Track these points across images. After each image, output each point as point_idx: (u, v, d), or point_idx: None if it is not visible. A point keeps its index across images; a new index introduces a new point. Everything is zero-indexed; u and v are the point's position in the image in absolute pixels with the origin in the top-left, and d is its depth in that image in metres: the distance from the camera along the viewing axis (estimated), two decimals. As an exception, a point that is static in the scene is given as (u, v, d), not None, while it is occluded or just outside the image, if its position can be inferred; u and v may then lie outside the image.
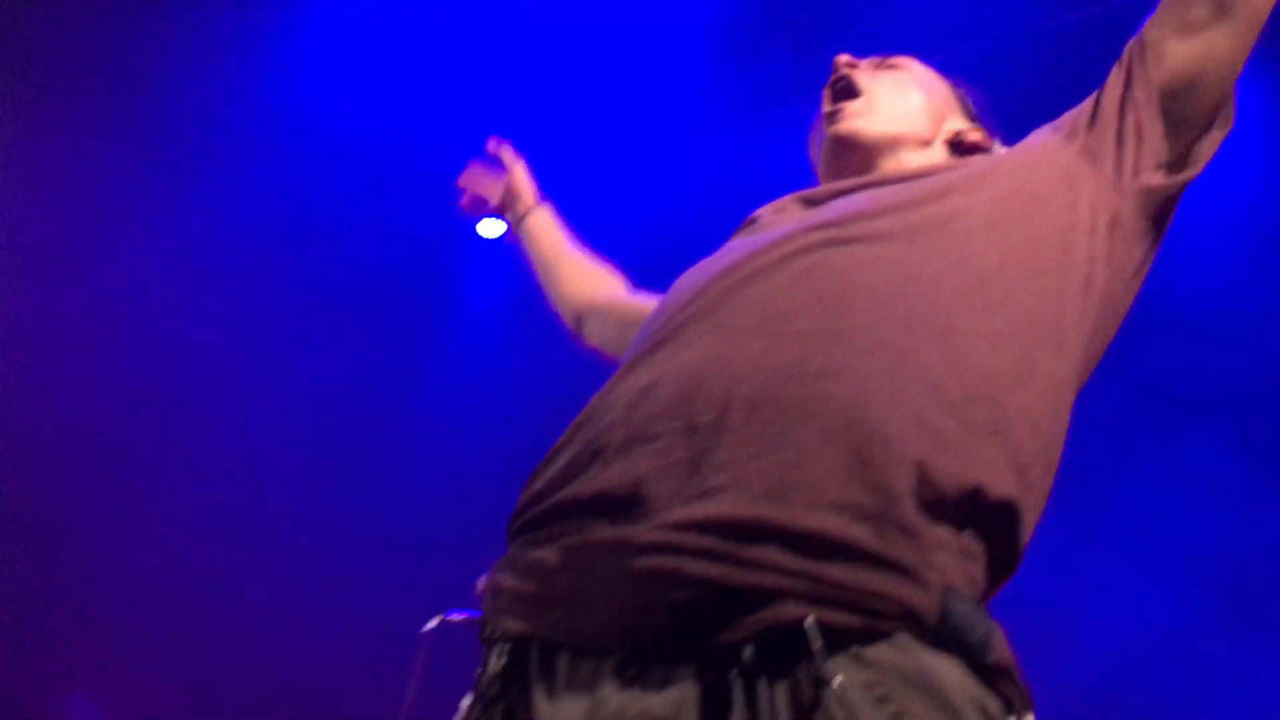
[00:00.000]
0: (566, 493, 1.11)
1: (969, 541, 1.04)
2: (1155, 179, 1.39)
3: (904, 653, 0.94)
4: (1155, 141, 1.39)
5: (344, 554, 5.40)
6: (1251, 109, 4.62)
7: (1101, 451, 4.56)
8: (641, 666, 0.97)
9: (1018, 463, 1.12)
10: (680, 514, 1.00)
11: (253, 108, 5.51)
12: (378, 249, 5.90)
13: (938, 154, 1.62)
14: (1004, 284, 1.23)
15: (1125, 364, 5.02)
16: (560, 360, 6.07)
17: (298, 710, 4.77)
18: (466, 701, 1.14)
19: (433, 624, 3.13)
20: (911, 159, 1.58)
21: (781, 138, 4.70)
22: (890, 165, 1.56)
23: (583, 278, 2.09)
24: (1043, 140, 1.48)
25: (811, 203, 1.44)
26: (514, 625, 1.10)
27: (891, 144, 1.58)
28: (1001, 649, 1.00)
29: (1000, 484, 1.08)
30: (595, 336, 1.97)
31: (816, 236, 1.23)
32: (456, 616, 3.16)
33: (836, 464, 1.00)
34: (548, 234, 2.18)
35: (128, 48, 5.20)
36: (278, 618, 5.34)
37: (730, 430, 1.04)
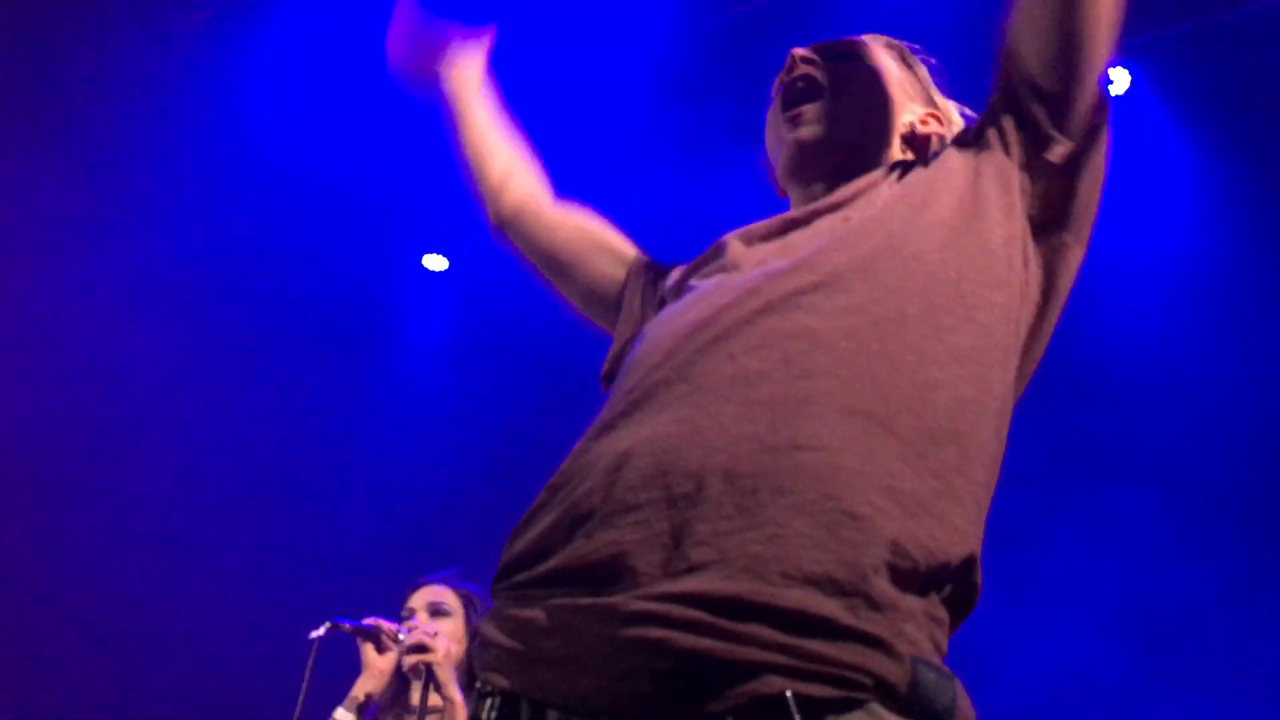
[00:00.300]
0: (553, 561, 1.13)
1: (934, 607, 1.09)
2: (1049, 155, 1.39)
3: None
4: (1035, 123, 1.40)
5: (268, 577, 5.34)
6: (1177, 167, 4.74)
7: (1026, 506, 4.63)
8: None
9: (977, 500, 1.18)
10: (666, 587, 1.03)
11: (199, 140, 5.49)
12: (321, 281, 5.88)
13: (894, 151, 1.60)
14: (965, 300, 1.27)
15: (1051, 421, 5.13)
16: (499, 397, 6.11)
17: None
18: None
19: (321, 631, 3.15)
20: (870, 158, 1.56)
21: (725, 181, 4.77)
22: (849, 167, 1.53)
23: (510, 172, 1.85)
24: (971, 144, 1.47)
25: (770, 236, 1.44)
26: (503, 681, 1.12)
27: (851, 148, 1.57)
28: (964, 710, 1.04)
29: (965, 538, 1.14)
30: (515, 241, 1.81)
31: (780, 288, 1.24)
32: (345, 624, 3.17)
33: (811, 539, 1.05)
34: (480, 102, 1.88)
35: (71, 76, 5.17)
36: (203, 640, 5.28)
37: (708, 502, 1.08)
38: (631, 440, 1.16)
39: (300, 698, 3.14)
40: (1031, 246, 1.39)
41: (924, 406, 1.17)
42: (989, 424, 1.23)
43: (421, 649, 3.18)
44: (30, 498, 5.44)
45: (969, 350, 1.24)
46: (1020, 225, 1.38)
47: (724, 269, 1.40)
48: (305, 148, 5.55)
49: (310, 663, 3.16)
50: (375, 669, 3.29)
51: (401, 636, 3.28)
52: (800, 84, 1.61)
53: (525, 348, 6.00)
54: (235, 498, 5.61)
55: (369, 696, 3.28)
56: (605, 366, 1.57)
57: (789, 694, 0.95)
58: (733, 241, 1.47)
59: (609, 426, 1.22)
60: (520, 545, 1.19)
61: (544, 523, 1.17)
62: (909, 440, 1.13)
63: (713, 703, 0.96)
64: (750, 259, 1.39)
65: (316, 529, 5.58)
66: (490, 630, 1.16)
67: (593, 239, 1.79)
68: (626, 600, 1.03)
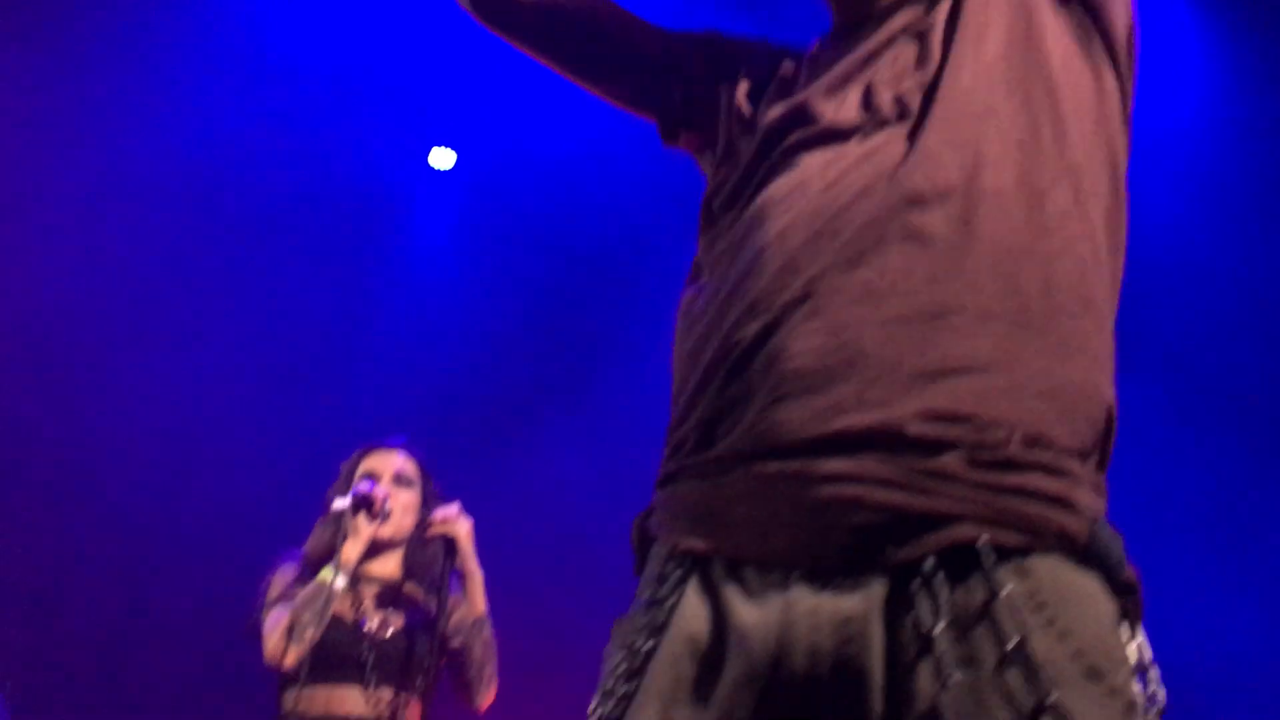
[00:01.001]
0: (734, 438, 1.14)
1: (1099, 478, 1.15)
2: None
3: (1058, 569, 1.05)
4: None
5: (279, 456, 5.42)
6: (1189, 44, 4.55)
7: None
8: (827, 578, 1.06)
9: (1111, 353, 1.22)
10: (859, 427, 1.07)
11: (206, 31, 5.50)
12: (328, 174, 5.89)
13: None
14: (1051, 148, 1.21)
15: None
16: (505, 289, 6.11)
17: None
18: (641, 613, 1.17)
19: (346, 502, 3.20)
20: None
21: None
22: None
23: None
24: None
25: (849, 79, 1.29)
26: (697, 544, 1.15)
27: None
28: (1130, 568, 1.11)
29: (1110, 403, 1.19)
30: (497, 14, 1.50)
31: (892, 188, 1.16)
32: (357, 494, 3.21)
33: (1015, 401, 1.10)
34: None
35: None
36: (215, 517, 5.39)
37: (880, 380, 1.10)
38: (779, 317, 1.16)
39: (334, 567, 3.22)
40: (1096, 42, 1.31)
41: (1052, 287, 1.16)
42: (1107, 271, 1.23)
43: (446, 521, 3.29)
44: (55, 380, 5.57)
45: (1071, 206, 1.20)
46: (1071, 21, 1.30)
47: (822, 138, 1.27)
48: (312, 41, 5.54)
49: (341, 533, 3.25)
50: (364, 535, 3.34)
51: (389, 507, 3.38)
52: None
53: (531, 241, 5.99)
54: (246, 382, 5.68)
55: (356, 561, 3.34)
56: (709, 200, 1.41)
57: (984, 539, 1.03)
58: (815, 96, 1.32)
59: (754, 303, 1.18)
60: (691, 421, 1.20)
61: (710, 399, 1.18)
62: (1048, 330, 1.14)
63: (908, 550, 1.03)
64: (842, 118, 1.27)
65: (325, 412, 5.65)
66: (674, 502, 1.20)
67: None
68: (816, 463, 1.07)
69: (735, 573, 1.11)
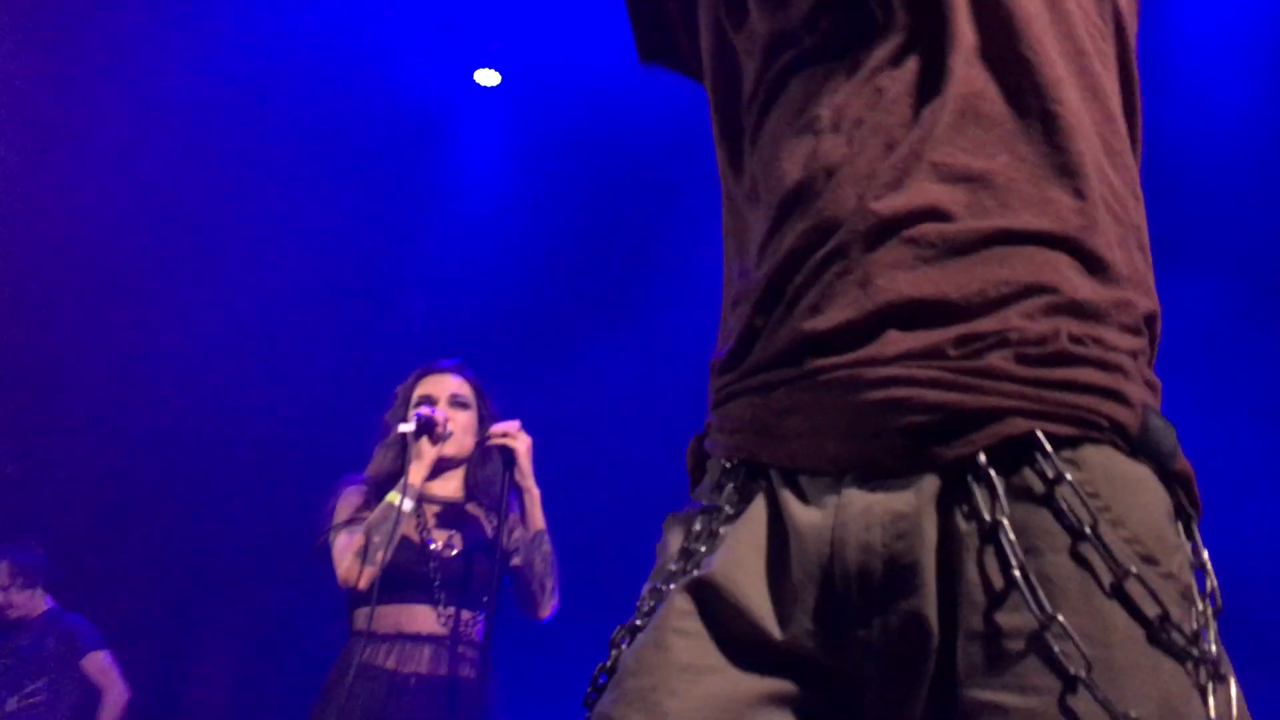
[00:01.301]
0: (779, 341, 1.15)
1: (1150, 373, 1.14)
2: None
3: (1110, 458, 1.05)
4: None
5: (328, 370, 5.51)
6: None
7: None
8: (879, 479, 1.08)
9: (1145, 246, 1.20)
10: (910, 344, 1.07)
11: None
12: (376, 96, 5.89)
13: None
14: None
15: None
16: (554, 211, 6.12)
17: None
18: (699, 515, 1.19)
19: (411, 425, 3.26)
20: None
21: None
22: None
23: None
24: None
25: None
26: (751, 455, 1.18)
27: None
28: (1184, 460, 1.11)
29: (1153, 293, 1.18)
30: None
31: (915, 128, 1.13)
32: (420, 417, 3.27)
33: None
34: None
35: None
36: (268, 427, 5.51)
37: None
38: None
39: (400, 490, 3.30)
40: None
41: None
42: (1129, 156, 1.20)
43: (506, 436, 3.36)
44: (116, 302, 5.70)
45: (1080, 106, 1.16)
46: None
47: (820, 56, 1.23)
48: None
49: (408, 456, 3.34)
50: (427, 458, 3.40)
51: (449, 429, 3.45)
52: None
53: (577, 157, 5.97)
54: (299, 303, 5.76)
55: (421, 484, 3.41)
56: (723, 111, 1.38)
57: (1037, 432, 1.03)
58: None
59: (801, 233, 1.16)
60: (732, 340, 1.22)
61: (756, 310, 1.19)
62: (1091, 248, 1.11)
63: (961, 446, 1.04)
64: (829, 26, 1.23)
65: (377, 330, 5.72)
66: (726, 418, 1.21)
67: None
68: (863, 368, 1.08)
69: (790, 480, 1.13)
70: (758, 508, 1.15)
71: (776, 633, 1.09)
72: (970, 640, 1.02)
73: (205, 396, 5.71)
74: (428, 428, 3.39)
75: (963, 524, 1.04)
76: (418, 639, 3.32)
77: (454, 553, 3.42)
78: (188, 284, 5.71)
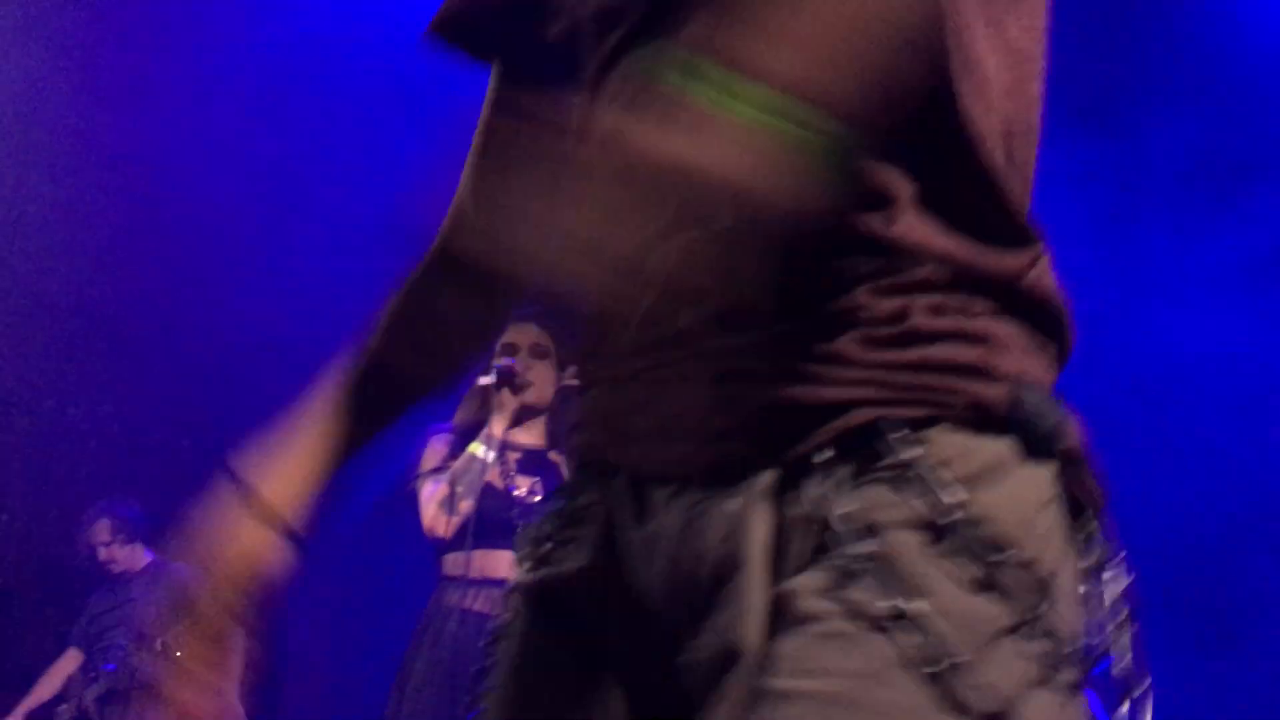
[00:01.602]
0: (625, 341, 1.09)
1: (1031, 339, 1.03)
2: None
3: (967, 440, 0.97)
4: None
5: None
6: None
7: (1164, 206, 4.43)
8: (718, 483, 1.02)
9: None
10: (754, 337, 1.01)
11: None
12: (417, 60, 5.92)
13: None
14: None
15: (1185, 124, 4.81)
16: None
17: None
18: (549, 522, 1.17)
19: (491, 378, 3.32)
20: None
21: None
22: None
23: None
24: None
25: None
26: (599, 456, 1.14)
27: None
28: (1072, 439, 1.01)
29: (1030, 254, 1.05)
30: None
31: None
32: (505, 362, 3.35)
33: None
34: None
35: None
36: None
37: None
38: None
39: (483, 440, 3.39)
40: None
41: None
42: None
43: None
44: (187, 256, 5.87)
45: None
46: None
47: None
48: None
49: (490, 408, 3.44)
50: (509, 409, 3.48)
51: (530, 379, 3.52)
52: None
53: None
54: (371, 255, 5.86)
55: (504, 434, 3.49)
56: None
57: (881, 421, 0.95)
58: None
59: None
60: (596, 326, 1.16)
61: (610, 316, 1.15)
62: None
63: (805, 445, 0.98)
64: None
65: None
66: (585, 412, 1.17)
67: None
68: (710, 361, 1.02)
69: (634, 487, 1.08)
70: (596, 522, 1.11)
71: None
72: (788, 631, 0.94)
73: (299, 349, 5.82)
74: (507, 379, 3.45)
75: (799, 518, 0.97)
76: (503, 584, 3.42)
77: (537, 499, 3.50)
78: (278, 239, 5.82)
